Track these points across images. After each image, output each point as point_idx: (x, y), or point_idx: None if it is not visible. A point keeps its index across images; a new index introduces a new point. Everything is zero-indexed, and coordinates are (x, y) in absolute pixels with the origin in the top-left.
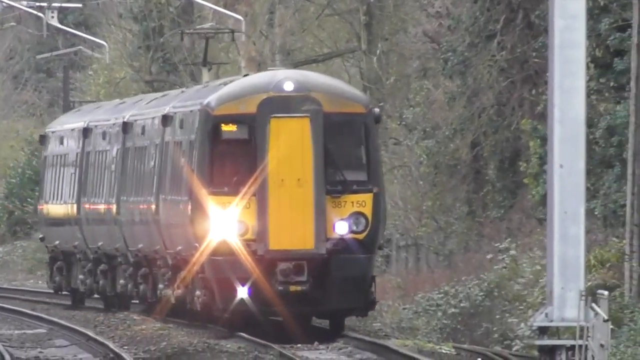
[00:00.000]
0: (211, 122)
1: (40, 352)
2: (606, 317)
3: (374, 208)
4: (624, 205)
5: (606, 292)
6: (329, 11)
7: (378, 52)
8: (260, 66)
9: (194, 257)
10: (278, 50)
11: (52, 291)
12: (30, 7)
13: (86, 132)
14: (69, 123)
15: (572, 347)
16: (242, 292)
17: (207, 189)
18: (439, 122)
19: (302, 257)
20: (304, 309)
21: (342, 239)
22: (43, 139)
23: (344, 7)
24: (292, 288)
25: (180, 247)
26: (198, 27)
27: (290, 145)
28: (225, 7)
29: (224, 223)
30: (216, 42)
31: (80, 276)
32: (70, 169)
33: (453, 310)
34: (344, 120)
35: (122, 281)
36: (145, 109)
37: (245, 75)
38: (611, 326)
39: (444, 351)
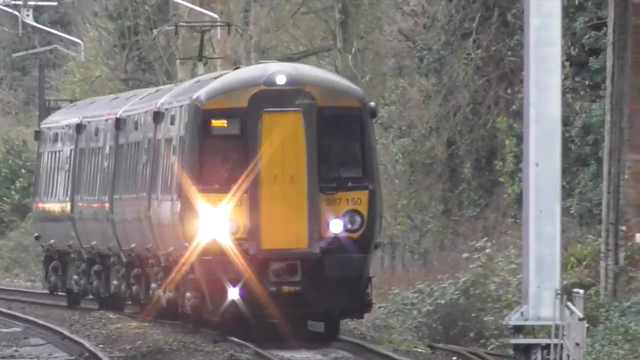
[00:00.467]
0: (200, 117)
1: (16, 350)
2: (582, 316)
3: (369, 206)
4: (600, 204)
5: (582, 291)
6: (304, 9)
7: (353, 50)
8: (235, 64)
9: (184, 257)
10: (253, 49)
11: (47, 291)
12: (5, 5)
13: (79, 128)
14: (63, 119)
15: (548, 346)
16: (233, 294)
17: (196, 187)
18: (414, 120)
19: (295, 257)
20: (297, 311)
21: (336, 238)
22: (38, 135)
23: (319, 5)
24: (285, 289)
25: (171, 248)
26: (193, 21)
27: (283, 141)
28: (200, 5)
29: (215, 221)
30: (193, 41)
31: (75, 276)
32: (64, 166)
33: (428, 308)
34: (338, 115)
35: (115, 282)
36: (138, 104)
37: (236, 69)
38: (587, 325)
39: (419, 350)
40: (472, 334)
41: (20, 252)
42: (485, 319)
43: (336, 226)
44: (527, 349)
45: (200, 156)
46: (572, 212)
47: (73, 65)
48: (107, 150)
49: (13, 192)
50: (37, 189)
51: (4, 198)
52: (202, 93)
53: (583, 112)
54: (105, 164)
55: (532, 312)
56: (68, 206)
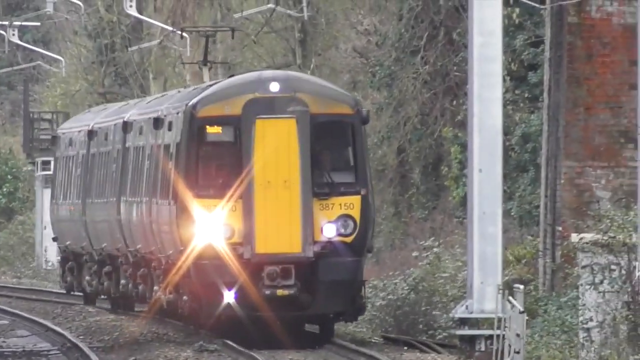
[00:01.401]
0: (196, 124)
1: (4, 341)
2: (522, 309)
3: (362, 210)
4: (538, 206)
5: (521, 286)
6: (267, 29)
7: (312, 66)
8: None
9: (180, 261)
10: (220, 65)
11: (64, 291)
12: None
13: (91, 134)
14: (77, 125)
15: (491, 337)
16: (229, 297)
17: (192, 192)
18: (367, 130)
19: (289, 261)
20: (291, 314)
21: (329, 242)
22: (54, 140)
23: (280, 25)
24: (280, 292)
25: (171, 251)
26: (199, 26)
27: (277, 147)
28: (172, 25)
29: (210, 226)
30: (164, 57)
31: (87, 277)
32: (77, 170)
33: (381, 302)
34: (330, 122)
35: (123, 281)
36: (143, 110)
37: (230, 76)
38: (526, 317)
39: (373, 340)
40: (421, 326)
41: (7, 251)
42: (434, 312)
43: (329, 230)
44: (471, 340)
45: (195, 162)
46: (512, 214)
47: (55, 80)
48: (115, 154)
49: (0, 197)
50: (53, 192)
51: None
52: (197, 100)
53: (522, 123)
54: (113, 167)
55: (477, 305)
56: (80, 208)
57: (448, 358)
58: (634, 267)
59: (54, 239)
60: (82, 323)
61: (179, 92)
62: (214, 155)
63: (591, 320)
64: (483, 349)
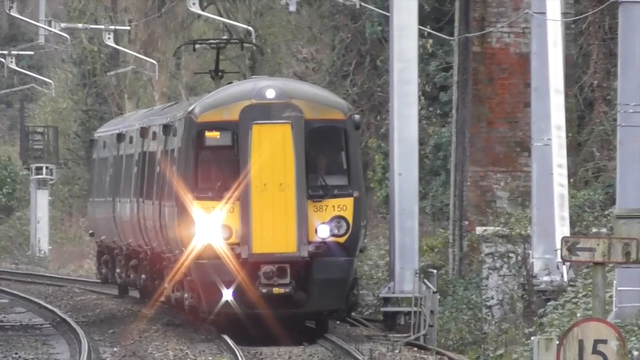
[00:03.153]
0: (195, 129)
1: (4, 317)
2: (435, 290)
3: (354, 212)
4: (448, 204)
5: (435, 271)
6: (222, 56)
7: None
8: (169, 99)
9: (181, 260)
10: (184, 87)
11: (100, 282)
12: None
13: (120, 137)
14: (110, 129)
15: (409, 313)
16: (227, 295)
17: (192, 194)
18: None
19: (284, 260)
20: (287, 311)
21: (323, 242)
22: (91, 143)
23: (233, 54)
24: (276, 290)
25: (177, 251)
26: (210, 39)
27: (272, 151)
28: (144, 54)
29: (209, 227)
30: (137, 80)
31: (117, 270)
32: (109, 170)
33: None
34: (324, 127)
35: (143, 276)
36: (157, 116)
37: (229, 83)
38: (438, 296)
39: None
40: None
41: (7, 242)
42: (361, 292)
43: (323, 231)
44: (393, 315)
45: (194, 166)
46: (427, 211)
47: (45, 99)
48: (136, 156)
49: (0, 196)
50: (90, 190)
51: None
52: (196, 107)
53: (435, 135)
54: (135, 169)
55: (397, 287)
56: (112, 206)
57: (374, 330)
58: (528, 255)
59: (91, 234)
60: (70, 302)
61: (189, 99)
62: (212, 159)
63: (492, 299)
64: (403, 323)
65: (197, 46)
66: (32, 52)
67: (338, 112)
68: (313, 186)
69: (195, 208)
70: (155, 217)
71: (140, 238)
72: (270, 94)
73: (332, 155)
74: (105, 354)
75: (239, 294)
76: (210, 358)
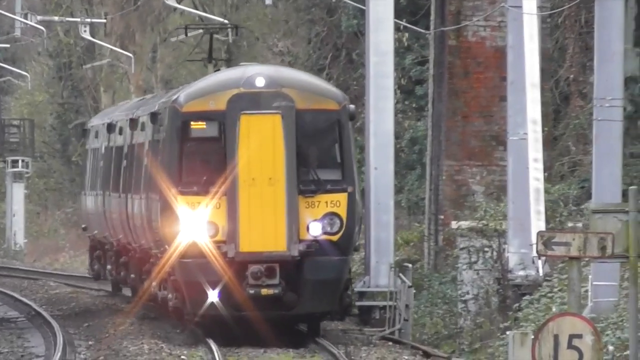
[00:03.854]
0: (180, 120)
1: None
2: (410, 284)
3: (348, 208)
4: (424, 198)
5: (410, 265)
6: (198, 50)
7: None
8: (145, 92)
9: (164, 258)
10: (159, 80)
11: (92, 278)
12: None
13: (110, 127)
14: (101, 119)
15: (384, 307)
16: (213, 296)
17: (175, 189)
18: None
19: (273, 260)
20: (276, 313)
21: (315, 241)
22: (84, 132)
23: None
24: (264, 291)
25: (162, 248)
26: (205, 23)
27: (261, 143)
28: (120, 47)
29: (194, 224)
30: (113, 73)
31: (108, 266)
32: (100, 162)
33: None
34: (317, 117)
35: (132, 275)
36: (148, 105)
37: (216, 70)
38: (414, 291)
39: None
40: None
41: None
42: None
43: (315, 229)
44: (368, 310)
45: (179, 158)
46: (402, 205)
47: (21, 92)
48: (125, 149)
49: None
50: (83, 183)
51: None
52: (181, 95)
53: (411, 129)
54: (124, 162)
55: (372, 281)
56: (102, 200)
57: (349, 325)
58: (504, 250)
59: (84, 229)
60: (45, 295)
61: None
62: (198, 151)
63: (468, 293)
64: (378, 317)
65: (172, 39)
66: (8, 45)
67: (332, 101)
68: (304, 181)
69: (180, 203)
70: (143, 212)
71: (129, 234)
72: (260, 82)
73: (325, 148)
74: (80, 347)
75: (225, 295)
76: (185, 351)
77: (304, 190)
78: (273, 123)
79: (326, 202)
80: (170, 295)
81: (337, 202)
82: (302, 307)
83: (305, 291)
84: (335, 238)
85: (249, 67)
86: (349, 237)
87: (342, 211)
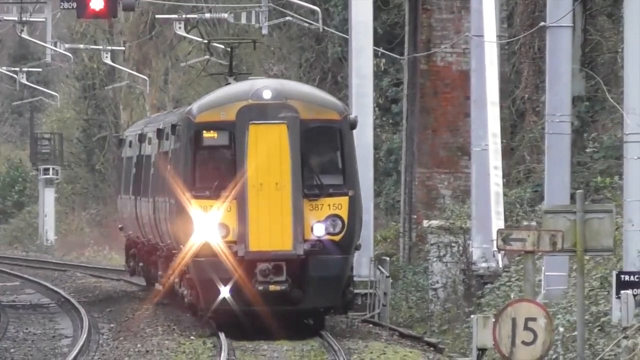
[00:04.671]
0: (193, 129)
1: (16, 297)
2: (387, 275)
3: (349, 210)
4: (399, 201)
5: (388, 258)
6: (204, 73)
7: None
8: (159, 110)
9: (179, 258)
10: (171, 99)
11: (129, 274)
12: (7, 71)
13: (141, 137)
14: (135, 129)
15: (365, 294)
16: (224, 292)
17: (190, 193)
18: None
19: (280, 258)
20: (283, 308)
21: (319, 241)
22: (121, 142)
23: (214, 70)
24: (272, 288)
25: (181, 246)
26: (226, 37)
27: (269, 151)
28: (137, 71)
29: (207, 226)
30: (130, 94)
31: (141, 264)
32: (133, 169)
33: None
34: (320, 127)
35: (160, 273)
36: (172, 116)
37: (227, 84)
38: (391, 280)
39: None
40: None
41: (18, 233)
42: None
43: (319, 229)
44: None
45: (192, 165)
46: (381, 206)
47: (52, 110)
48: (153, 157)
49: (13, 193)
50: (119, 187)
51: (7, 198)
52: (194, 107)
53: (387, 141)
54: (152, 170)
55: (355, 272)
56: (134, 204)
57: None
58: (468, 245)
59: (120, 229)
60: (73, 284)
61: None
62: (210, 158)
63: (437, 282)
64: (360, 303)
65: (182, 64)
66: (40, 69)
67: (333, 112)
68: (309, 185)
69: (193, 207)
70: (166, 215)
71: (157, 235)
72: (267, 94)
73: (328, 155)
74: (103, 329)
75: (236, 291)
76: (194, 332)
77: (308, 194)
78: (279, 132)
79: (329, 205)
80: (185, 292)
81: (339, 204)
82: (307, 302)
83: (310, 287)
84: (337, 238)
85: (257, 81)
86: (350, 237)
87: (344, 213)
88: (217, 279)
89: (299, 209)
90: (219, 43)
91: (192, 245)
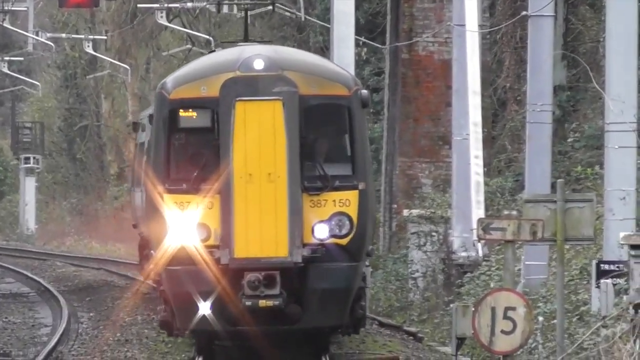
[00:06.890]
0: (167, 108)
1: None
2: (367, 264)
3: (359, 208)
4: (380, 190)
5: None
6: (185, 63)
7: None
8: (140, 100)
9: (151, 265)
10: (152, 89)
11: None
12: None
13: (151, 118)
14: (150, 111)
15: None
16: (204, 308)
17: (162, 186)
18: None
19: (273, 267)
20: (277, 328)
21: (321, 245)
22: (135, 126)
23: (191, 54)
24: (262, 303)
25: (152, 252)
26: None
27: (260, 134)
28: (118, 60)
29: (182, 226)
30: (112, 83)
31: (151, 265)
32: (143, 157)
33: None
34: (324, 104)
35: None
36: None
37: (211, 52)
38: (371, 269)
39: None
40: None
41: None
42: None
43: (321, 231)
44: None
45: (166, 152)
46: None
47: (33, 99)
48: (146, 144)
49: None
50: (130, 179)
51: None
52: (169, 80)
53: (369, 130)
54: (145, 157)
55: None
56: (144, 196)
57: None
58: (448, 234)
59: (134, 226)
60: (52, 273)
61: None
62: (187, 143)
63: (417, 271)
64: None
65: (164, 53)
66: (22, 58)
67: (341, 86)
68: (309, 177)
69: (167, 203)
70: (155, 207)
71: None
72: (259, 64)
73: (333, 139)
74: (82, 318)
75: (218, 307)
76: None
77: (308, 187)
78: (273, 111)
79: (334, 201)
80: (159, 307)
81: (347, 200)
82: (306, 320)
83: (310, 303)
84: (344, 242)
85: (246, 48)
86: (360, 241)
87: (353, 211)
88: (196, 292)
89: (297, 205)
90: (233, 4)
91: (165, 250)
